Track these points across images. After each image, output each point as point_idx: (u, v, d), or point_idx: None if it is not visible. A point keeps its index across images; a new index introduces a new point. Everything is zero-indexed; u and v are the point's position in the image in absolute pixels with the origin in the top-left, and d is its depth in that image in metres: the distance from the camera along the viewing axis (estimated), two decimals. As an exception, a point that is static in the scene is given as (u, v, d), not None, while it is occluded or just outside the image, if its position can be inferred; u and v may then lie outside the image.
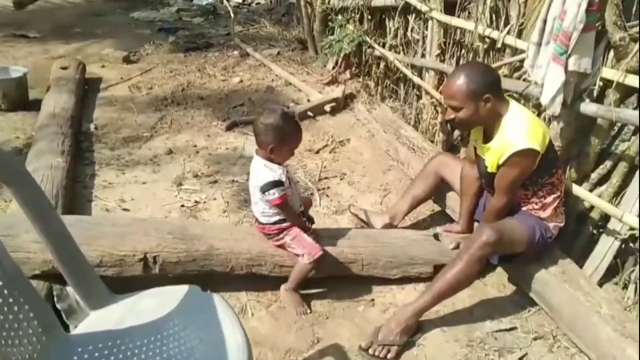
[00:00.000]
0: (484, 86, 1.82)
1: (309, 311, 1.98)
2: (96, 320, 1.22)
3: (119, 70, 4.56)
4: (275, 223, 1.97)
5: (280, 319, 1.96)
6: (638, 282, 2.00)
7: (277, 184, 1.85)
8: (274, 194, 1.86)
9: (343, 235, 2.14)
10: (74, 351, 1.12)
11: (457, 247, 2.17)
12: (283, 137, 1.84)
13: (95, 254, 1.87)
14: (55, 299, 1.85)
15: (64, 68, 3.96)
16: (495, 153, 1.91)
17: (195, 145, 3.29)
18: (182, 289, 1.32)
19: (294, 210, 1.99)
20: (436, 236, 2.27)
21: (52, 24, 5.89)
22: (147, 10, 6.78)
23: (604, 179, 2.18)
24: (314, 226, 2.15)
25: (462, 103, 1.85)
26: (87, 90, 4.01)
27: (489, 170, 1.98)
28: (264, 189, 1.86)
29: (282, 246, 2.01)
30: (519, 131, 1.84)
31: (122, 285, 1.87)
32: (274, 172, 1.87)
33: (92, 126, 3.45)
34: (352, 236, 2.15)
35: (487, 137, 1.99)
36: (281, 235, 1.98)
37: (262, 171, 1.88)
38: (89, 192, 2.70)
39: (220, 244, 2.00)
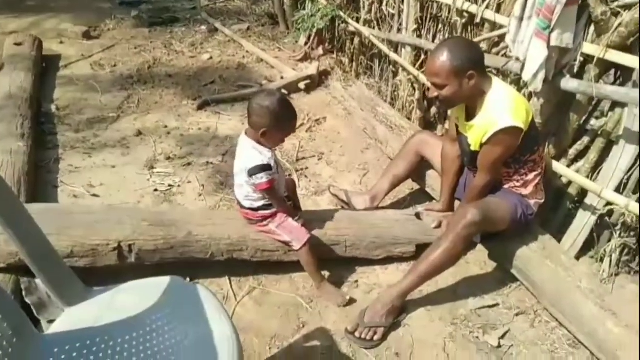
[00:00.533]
0: (468, 63, 1.78)
1: (348, 298, 1.93)
2: (72, 318, 1.14)
3: (79, 47, 4.31)
4: (259, 209, 1.89)
5: (264, 304, 1.92)
6: (613, 256, 2.05)
7: (265, 167, 1.77)
8: (262, 178, 1.78)
9: (326, 217, 2.10)
10: (49, 352, 1.04)
11: (438, 226, 2.17)
12: (277, 122, 1.75)
13: (66, 244, 1.77)
14: (23, 292, 1.74)
15: (18, 44, 3.71)
16: (478, 131, 1.89)
17: (165, 126, 3.16)
18: (164, 281, 1.24)
19: (280, 195, 1.92)
20: (418, 215, 2.26)
21: (1, -4, 5.49)
22: (107, -18, 6.41)
23: (580, 155, 2.21)
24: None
25: (445, 80, 1.80)
26: (45, 68, 3.78)
27: (472, 148, 1.96)
28: (252, 172, 1.77)
29: (266, 232, 1.94)
30: (503, 108, 1.81)
31: (98, 278, 1.82)
32: (263, 155, 1.79)
33: (53, 107, 3.26)
34: (335, 218, 2.10)
35: (470, 115, 1.96)
36: (265, 223, 1.92)
37: (251, 154, 1.79)
38: (54, 177, 2.55)
39: (199, 230, 1.92)
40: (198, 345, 1.09)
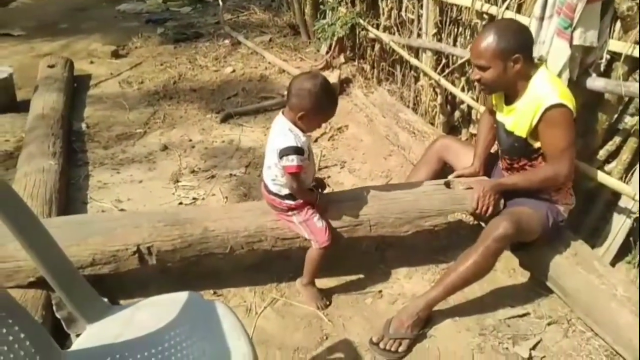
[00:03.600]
0: (514, 45, 1.70)
1: (328, 303, 1.92)
2: (93, 334, 1.17)
3: (108, 66, 4.45)
4: (285, 197, 1.81)
5: (287, 316, 1.91)
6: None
7: (298, 150, 1.68)
8: (292, 161, 1.68)
9: (344, 197, 2.01)
10: (71, 369, 1.06)
11: (468, 188, 2.04)
12: (317, 106, 1.68)
13: (87, 253, 1.80)
14: (54, 307, 1.79)
15: (51, 66, 3.86)
16: (521, 113, 1.79)
17: (190, 140, 3.22)
18: (182, 297, 1.25)
19: (305, 184, 1.83)
20: (447, 184, 2.09)
21: (36, 21, 5.76)
22: (133, 2, 6.64)
23: (611, 156, 2.12)
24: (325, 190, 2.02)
25: (489, 62, 1.73)
26: (76, 88, 3.91)
27: (517, 133, 1.84)
28: (284, 152, 1.68)
29: (288, 221, 1.89)
30: (549, 88, 1.72)
31: (125, 292, 1.87)
32: (298, 138, 1.70)
33: (83, 125, 3.37)
34: (354, 197, 2.00)
35: (510, 100, 1.88)
36: (290, 214, 1.86)
37: (287, 134, 1.70)
38: (84, 194, 2.63)
39: (215, 225, 1.89)
40: (215, 362, 1.09)
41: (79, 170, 2.84)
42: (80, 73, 4.21)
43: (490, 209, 1.91)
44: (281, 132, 1.73)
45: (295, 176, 1.73)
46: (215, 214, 1.97)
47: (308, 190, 1.84)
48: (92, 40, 5.09)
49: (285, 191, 1.81)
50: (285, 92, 1.81)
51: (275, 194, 1.83)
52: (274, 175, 1.80)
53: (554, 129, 1.74)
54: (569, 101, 1.72)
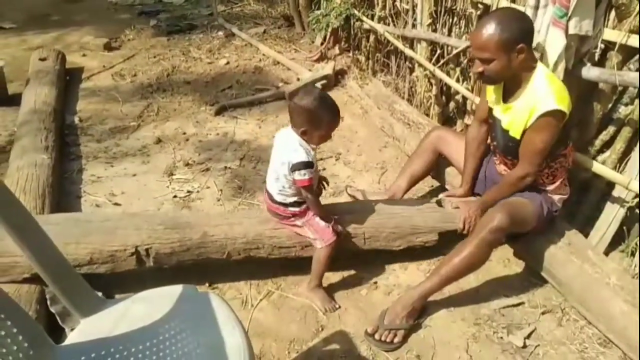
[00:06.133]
0: (518, 35, 1.64)
1: (338, 306, 1.91)
2: (87, 329, 1.16)
3: (100, 59, 4.41)
4: (290, 205, 1.86)
5: (282, 308, 1.91)
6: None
7: (309, 165, 1.74)
8: (304, 175, 1.73)
9: (342, 210, 2.05)
10: (65, 363, 1.06)
11: (457, 207, 2.08)
12: (316, 122, 1.71)
13: (85, 252, 1.81)
14: (48, 302, 1.79)
15: (43, 59, 3.82)
16: (518, 114, 1.78)
17: (184, 133, 3.20)
18: (176, 290, 1.25)
19: (317, 194, 1.89)
20: (439, 202, 2.17)
21: (27, 13, 5.69)
22: (126, -7, 6.56)
23: (606, 145, 2.12)
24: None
25: (493, 54, 1.67)
26: (68, 81, 3.88)
27: (511, 134, 1.83)
28: (296, 167, 1.73)
29: (291, 226, 1.91)
30: (546, 91, 1.69)
31: (121, 286, 1.86)
32: (308, 152, 1.76)
33: (76, 119, 3.34)
34: (352, 210, 2.06)
35: (508, 96, 1.85)
36: (293, 219, 1.89)
37: (298, 149, 1.74)
38: (78, 187, 2.62)
39: (214, 230, 1.92)
40: (210, 355, 1.09)
41: (73, 164, 2.82)
42: (73, 66, 4.17)
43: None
44: (292, 146, 1.76)
45: (308, 188, 1.78)
46: (215, 219, 1.99)
47: (318, 199, 1.89)
48: (85, 33, 5.03)
49: (290, 200, 1.85)
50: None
51: (280, 203, 1.86)
52: (281, 186, 1.83)
53: (539, 133, 1.73)
54: (565, 104, 1.68)
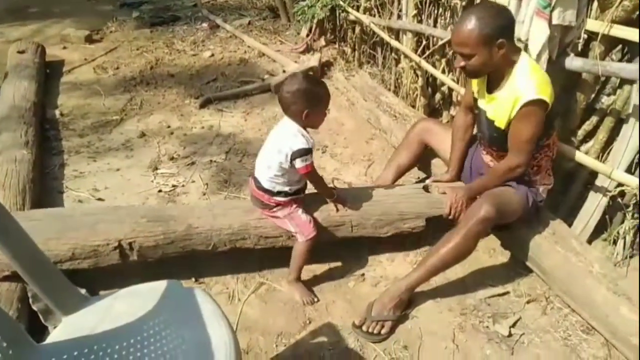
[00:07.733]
0: (498, 30, 1.66)
1: (316, 300, 1.91)
2: (69, 327, 1.14)
3: (82, 51, 4.33)
4: (276, 194, 1.84)
5: (270, 302, 1.90)
6: (627, 238, 1.99)
7: (309, 151, 1.75)
8: (307, 161, 1.75)
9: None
10: (46, 362, 1.04)
11: (444, 193, 2.09)
12: (315, 99, 1.73)
13: (67, 247, 1.77)
14: (30, 300, 1.75)
15: (22, 52, 3.73)
16: (502, 105, 1.79)
17: (169, 126, 3.15)
18: (161, 285, 1.23)
19: (321, 177, 1.90)
20: (426, 188, 2.16)
21: (5, 5, 5.55)
22: (108, -16, 6.42)
23: (589, 135, 2.14)
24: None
25: (474, 50, 1.69)
26: (48, 74, 3.80)
27: (496, 124, 1.84)
28: (297, 155, 1.73)
29: (272, 217, 1.90)
30: (529, 81, 1.70)
31: (105, 282, 1.84)
32: (307, 140, 1.76)
33: (57, 113, 3.27)
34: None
35: (492, 86, 1.86)
36: (275, 209, 1.87)
37: (297, 137, 1.75)
38: (60, 183, 2.57)
39: (198, 222, 1.89)
40: (195, 351, 1.07)
41: (54, 159, 2.77)
42: (53, 59, 4.08)
43: (462, 214, 1.93)
44: (291, 135, 1.76)
45: (311, 172, 1.80)
46: (199, 211, 1.96)
47: (323, 180, 1.91)
48: (65, 25, 4.93)
49: (278, 188, 1.83)
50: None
51: (267, 190, 1.84)
52: (273, 174, 1.81)
53: (524, 123, 1.75)
54: (547, 94, 1.70)
